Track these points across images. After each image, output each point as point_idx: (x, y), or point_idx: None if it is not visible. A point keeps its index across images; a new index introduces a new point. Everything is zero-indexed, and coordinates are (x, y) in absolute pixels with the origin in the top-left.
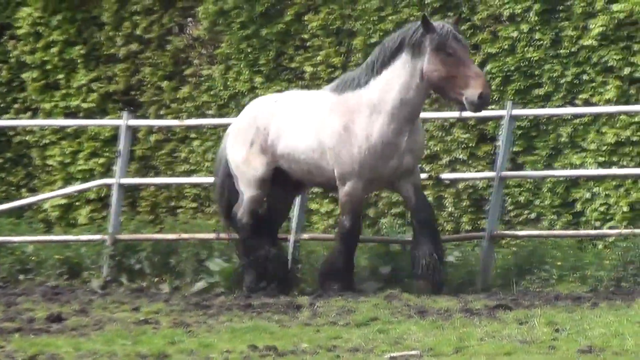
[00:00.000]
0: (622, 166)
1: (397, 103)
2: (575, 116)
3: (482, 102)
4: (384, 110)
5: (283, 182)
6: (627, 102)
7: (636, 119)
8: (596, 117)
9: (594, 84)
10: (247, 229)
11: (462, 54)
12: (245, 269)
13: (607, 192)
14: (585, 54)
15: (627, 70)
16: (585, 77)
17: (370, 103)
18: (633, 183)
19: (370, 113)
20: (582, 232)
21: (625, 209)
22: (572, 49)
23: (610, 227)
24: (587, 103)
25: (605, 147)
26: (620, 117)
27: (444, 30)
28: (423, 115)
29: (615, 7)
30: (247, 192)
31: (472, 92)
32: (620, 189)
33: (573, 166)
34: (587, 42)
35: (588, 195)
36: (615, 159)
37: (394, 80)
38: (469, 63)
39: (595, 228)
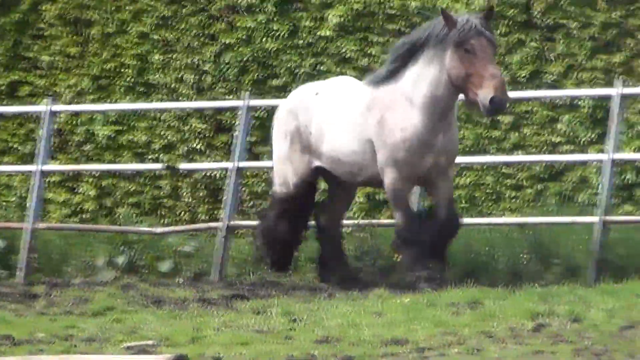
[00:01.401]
0: None
1: (427, 99)
2: None
3: (493, 107)
4: (417, 104)
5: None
6: None
7: None
8: None
9: (331, 75)
10: (273, 221)
11: (481, 52)
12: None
13: None
14: (323, 45)
15: (364, 61)
16: (322, 67)
17: (404, 97)
18: None
19: (404, 107)
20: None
21: (361, 199)
22: (310, 40)
23: (347, 218)
24: None
25: None
26: None
27: (466, 26)
28: (158, 105)
29: None
30: (280, 188)
31: (484, 94)
32: None
33: None
34: (324, 32)
35: (325, 185)
36: None
37: (424, 75)
38: (487, 62)
39: None
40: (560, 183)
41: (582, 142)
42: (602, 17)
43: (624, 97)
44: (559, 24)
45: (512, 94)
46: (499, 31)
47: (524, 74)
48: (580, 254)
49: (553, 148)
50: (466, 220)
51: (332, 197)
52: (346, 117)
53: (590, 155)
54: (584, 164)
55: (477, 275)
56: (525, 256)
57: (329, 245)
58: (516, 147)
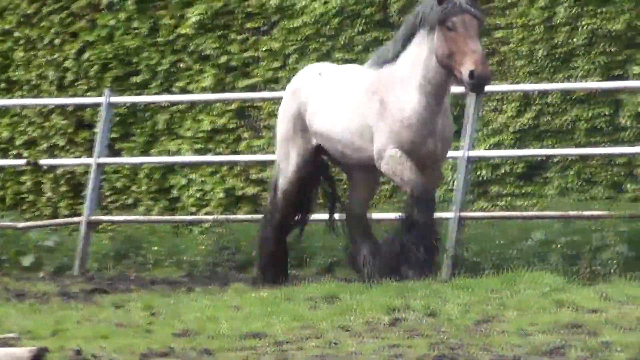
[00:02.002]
0: (218, 153)
1: (422, 80)
2: (173, 104)
3: (474, 82)
4: (413, 85)
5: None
6: (223, 90)
7: (232, 107)
8: (193, 104)
9: (191, 72)
10: (280, 213)
11: (462, 28)
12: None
13: (203, 179)
14: (183, 43)
15: (223, 59)
16: (182, 65)
17: (401, 79)
18: (229, 170)
19: (403, 89)
20: (178, 217)
21: (220, 195)
22: (170, 38)
23: (206, 213)
24: (184, 91)
25: (202, 134)
26: (216, 105)
27: (449, 3)
28: (20, 101)
29: None
30: (284, 173)
31: (465, 69)
32: (215, 176)
33: (170, 153)
34: (184, 30)
35: (184, 181)
36: (211, 146)
37: (418, 57)
38: (469, 38)
39: (191, 214)
40: None
41: None
42: None
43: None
44: None
45: None
46: (356, 29)
47: None
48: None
49: None
50: (322, 216)
51: (353, 186)
52: (345, 97)
53: None
54: None
55: (334, 270)
56: None
57: (359, 236)
58: None
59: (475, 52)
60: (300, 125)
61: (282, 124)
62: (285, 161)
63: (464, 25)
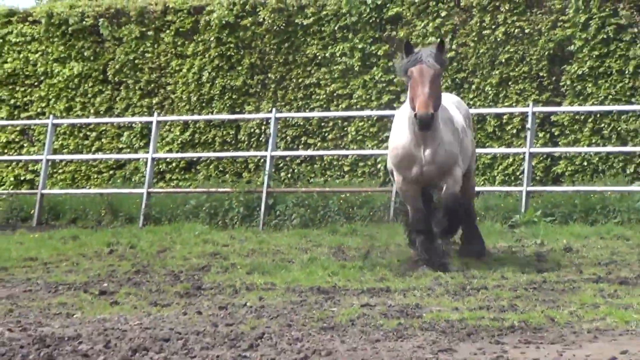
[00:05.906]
0: None
1: (408, 119)
2: None
3: (418, 122)
4: (405, 122)
5: None
6: None
7: None
8: None
9: None
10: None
11: (417, 76)
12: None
13: None
14: None
15: None
16: None
17: (401, 116)
18: None
19: (399, 124)
20: None
21: None
22: None
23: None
24: None
25: None
26: None
27: (412, 57)
28: None
29: None
30: None
31: (414, 113)
32: None
33: None
34: None
35: None
36: None
37: (407, 98)
38: (421, 84)
39: None
40: (123, 170)
41: (135, 148)
42: (146, 77)
43: (158, 123)
44: (123, 81)
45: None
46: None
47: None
48: (134, 210)
49: (119, 150)
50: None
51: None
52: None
53: (138, 154)
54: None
55: (77, 222)
56: (103, 211)
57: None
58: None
59: (420, 95)
60: None
61: None
62: None
63: (419, 74)
